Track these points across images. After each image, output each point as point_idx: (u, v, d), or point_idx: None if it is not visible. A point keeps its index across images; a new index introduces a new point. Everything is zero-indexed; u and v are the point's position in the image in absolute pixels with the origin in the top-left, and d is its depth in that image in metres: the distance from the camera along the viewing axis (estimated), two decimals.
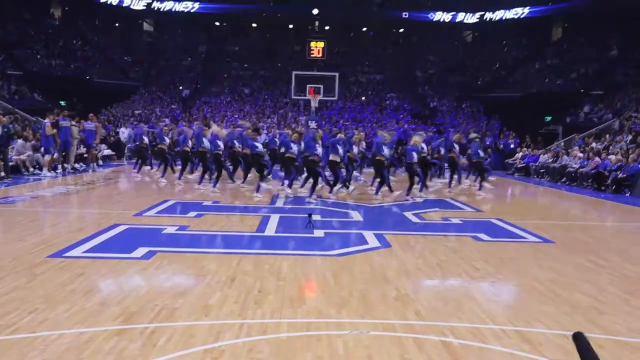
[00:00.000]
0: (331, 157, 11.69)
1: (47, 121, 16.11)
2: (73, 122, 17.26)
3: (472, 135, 15.78)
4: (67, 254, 6.18)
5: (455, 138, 14.89)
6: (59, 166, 16.45)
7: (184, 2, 41.86)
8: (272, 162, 14.07)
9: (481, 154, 14.04)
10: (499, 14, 41.01)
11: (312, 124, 25.77)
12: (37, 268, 5.55)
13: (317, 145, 11.52)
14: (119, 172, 18.36)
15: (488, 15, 41.46)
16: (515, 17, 40.28)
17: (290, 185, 12.15)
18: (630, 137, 20.01)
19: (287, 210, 10.29)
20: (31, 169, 15.98)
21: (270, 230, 8.13)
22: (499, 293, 5.29)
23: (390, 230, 8.42)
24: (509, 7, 40.53)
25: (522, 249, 7.20)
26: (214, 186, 12.46)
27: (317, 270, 5.86)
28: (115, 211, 9.46)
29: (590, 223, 10.58)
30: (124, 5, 40.97)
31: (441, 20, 42.50)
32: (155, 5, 41.56)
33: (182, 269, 5.78)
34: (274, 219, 8.94)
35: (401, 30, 45.84)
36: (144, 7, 41.54)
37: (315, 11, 40.79)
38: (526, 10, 39.70)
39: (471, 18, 42.21)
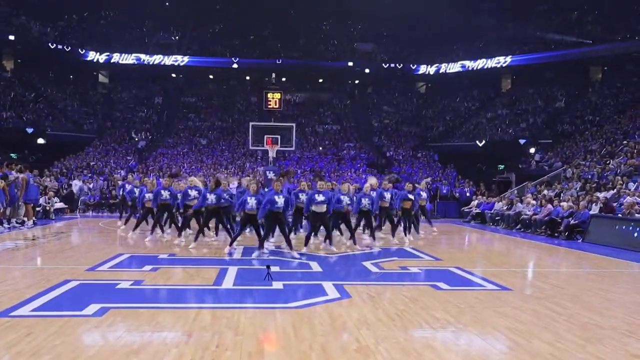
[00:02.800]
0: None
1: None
2: (21, 175, 16.61)
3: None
4: (14, 313, 5.90)
5: (407, 188, 14.89)
6: (5, 221, 15.74)
7: (140, 55, 41.98)
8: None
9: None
10: (450, 67, 42.47)
11: (270, 174, 25.73)
12: None
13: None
14: (72, 226, 17.88)
15: (442, 67, 42.90)
16: (467, 69, 41.82)
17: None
18: (579, 185, 20.64)
19: (245, 262, 10.13)
20: None
21: (228, 283, 7.97)
22: (459, 342, 5.27)
23: (349, 281, 8.36)
24: (460, 60, 42.11)
25: (481, 297, 7.23)
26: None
27: (277, 324, 5.75)
28: (66, 266, 9.16)
29: (545, 270, 10.74)
30: (78, 57, 40.81)
31: (396, 73, 43.74)
32: (111, 57, 41.53)
33: (136, 325, 5.58)
34: (232, 272, 8.79)
35: (357, 81, 46.82)
36: (99, 59, 41.46)
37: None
38: (477, 63, 41.27)
39: (425, 70, 43.59)
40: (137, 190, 15.34)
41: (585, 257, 12.34)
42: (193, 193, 12.63)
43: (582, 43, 37.23)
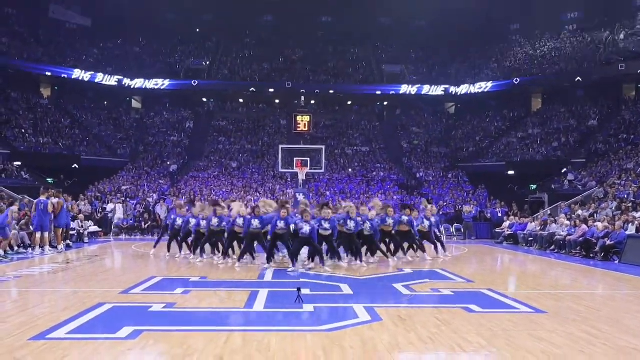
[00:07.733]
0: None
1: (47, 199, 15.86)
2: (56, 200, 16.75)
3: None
4: (50, 336, 6.00)
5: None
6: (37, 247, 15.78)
7: (173, 80, 42.84)
8: None
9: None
10: (479, 86, 42.29)
11: (300, 197, 25.84)
12: (18, 352, 5.37)
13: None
14: (105, 249, 18.15)
15: (470, 88, 42.74)
16: (496, 89, 41.61)
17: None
18: (615, 204, 20.21)
19: (275, 284, 10.14)
20: (16, 248, 15.71)
21: (259, 305, 7.98)
22: None
23: (380, 303, 8.31)
24: (489, 80, 41.94)
25: (515, 320, 7.10)
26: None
27: (307, 347, 5.72)
28: (100, 289, 9.29)
29: (581, 292, 10.51)
30: (113, 84, 41.78)
31: (426, 93, 43.67)
32: (145, 84, 42.42)
33: (168, 348, 5.62)
34: (263, 294, 8.80)
35: (385, 103, 46.93)
36: (132, 85, 42.39)
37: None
38: (506, 82, 41.07)
39: (453, 91, 43.44)
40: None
41: (622, 279, 12.05)
42: (256, 223, 12.68)
43: (614, 61, 36.79)
